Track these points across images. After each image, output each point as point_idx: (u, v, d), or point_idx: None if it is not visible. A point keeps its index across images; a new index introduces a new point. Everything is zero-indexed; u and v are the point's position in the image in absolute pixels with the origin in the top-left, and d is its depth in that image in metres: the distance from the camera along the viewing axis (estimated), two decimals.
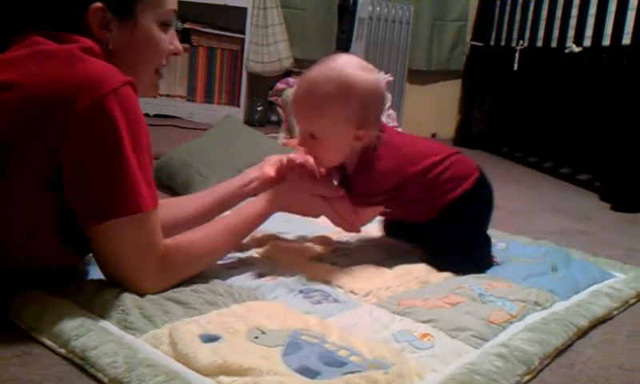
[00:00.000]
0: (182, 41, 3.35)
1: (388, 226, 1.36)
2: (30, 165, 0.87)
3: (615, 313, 1.14)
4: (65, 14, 0.95)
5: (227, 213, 1.18)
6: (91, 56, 0.91)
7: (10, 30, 0.96)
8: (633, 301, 1.21)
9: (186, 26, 3.41)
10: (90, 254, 0.99)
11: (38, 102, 0.86)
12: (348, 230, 1.25)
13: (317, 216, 1.21)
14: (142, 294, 0.94)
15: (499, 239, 1.53)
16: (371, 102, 1.10)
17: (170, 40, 1.05)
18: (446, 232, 1.21)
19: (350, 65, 1.09)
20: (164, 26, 1.03)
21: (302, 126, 1.14)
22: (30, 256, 0.93)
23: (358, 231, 1.25)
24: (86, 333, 0.83)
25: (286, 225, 1.43)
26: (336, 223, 1.22)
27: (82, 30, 0.95)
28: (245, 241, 1.29)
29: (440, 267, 1.21)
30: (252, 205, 1.13)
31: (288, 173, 1.19)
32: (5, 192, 0.88)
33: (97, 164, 0.87)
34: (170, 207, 1.16)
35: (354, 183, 1.18)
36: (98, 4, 0.95)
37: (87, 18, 0.95)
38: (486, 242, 1.28)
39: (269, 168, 1.22)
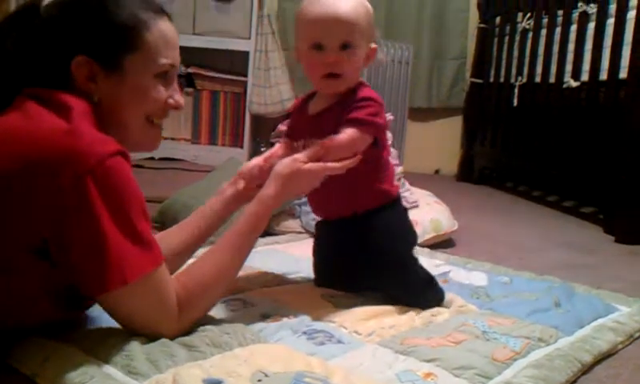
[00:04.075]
0: (186, 85, 3.44)
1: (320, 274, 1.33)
2: (18, 227, 0.86)
3: (620, 347, 1.14)
4: (50, 70, 0.94)
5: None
6: (85, 121, 0.89)
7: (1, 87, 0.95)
8: (637, 334, 1.20)
9: (190, 70, 3.47)
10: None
11: (23, 164, 0.85)
12: (348, 166, 1.14)
13: (316, 185, 1.13)
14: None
15: (502, 274, 1.53)
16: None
17: (170, 93, 1.01)
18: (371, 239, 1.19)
19: None
20: (161, 77, 0.99)
21: (336, 39, 1.13)
22: (29, 317, 0.93)
23: (359, 159, 1.15)
24: (89, 380, 0.83)
25: (291, 265, 1.43)
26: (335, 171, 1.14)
27: (69, 84, 0.94)
28: (249, 282, 1.29)
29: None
30: (248, 210, 1.07)
31: (272, 160, 1.16)
32: None
33: (76, 241, 0.86)
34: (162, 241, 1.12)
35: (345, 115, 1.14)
36: (82, 57, 0.94)
37: (72, 71, 0.94)
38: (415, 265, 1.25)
39: (247, 168, 1.23)
